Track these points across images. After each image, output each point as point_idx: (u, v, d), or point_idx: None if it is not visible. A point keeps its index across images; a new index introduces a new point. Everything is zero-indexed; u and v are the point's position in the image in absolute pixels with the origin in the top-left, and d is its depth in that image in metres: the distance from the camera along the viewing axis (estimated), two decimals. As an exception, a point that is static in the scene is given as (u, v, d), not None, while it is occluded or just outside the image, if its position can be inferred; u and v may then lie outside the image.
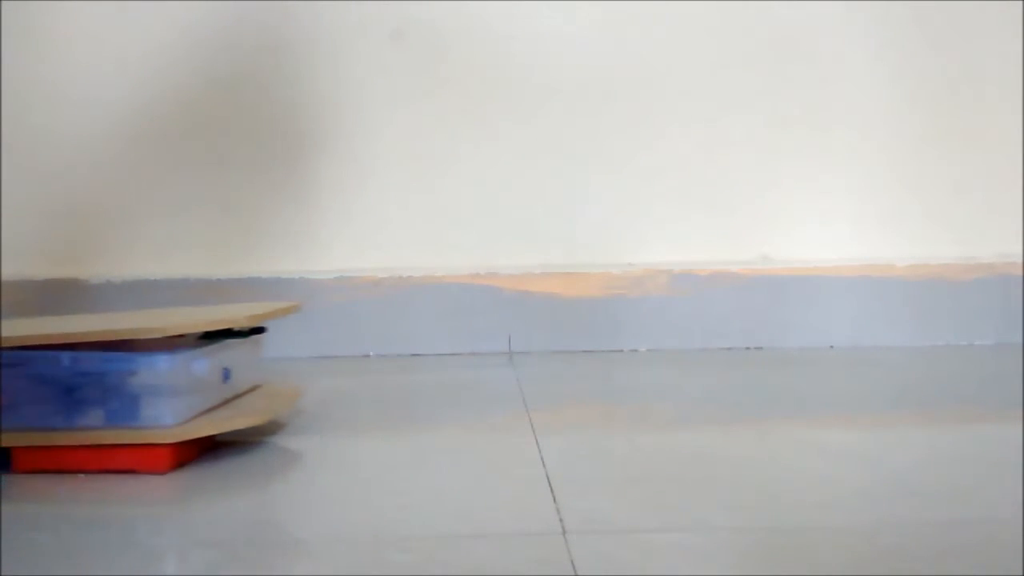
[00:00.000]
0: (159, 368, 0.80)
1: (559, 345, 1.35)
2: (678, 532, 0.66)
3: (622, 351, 1.35)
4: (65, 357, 0.81)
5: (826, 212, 1.38)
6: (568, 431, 0.95)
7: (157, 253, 1.36)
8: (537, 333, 1.35)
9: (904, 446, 0.89)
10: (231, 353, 0.90)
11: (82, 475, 0.80)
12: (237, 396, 0.92)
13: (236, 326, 0.88)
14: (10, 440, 0.81)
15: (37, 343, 0.81)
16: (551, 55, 1.36)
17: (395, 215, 1.37)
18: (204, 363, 0.85)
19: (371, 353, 1.34)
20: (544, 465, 0.81)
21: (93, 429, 0.80)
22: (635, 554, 0.62)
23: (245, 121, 1.36)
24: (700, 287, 1.35)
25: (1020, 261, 1.36)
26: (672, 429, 0.95)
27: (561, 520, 0.68)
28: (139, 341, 0.84)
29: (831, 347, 1.35)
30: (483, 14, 1.36)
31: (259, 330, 0.92)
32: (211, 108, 1.36)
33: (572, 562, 0.61)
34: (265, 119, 1.36)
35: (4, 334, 0.83)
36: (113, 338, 0.81)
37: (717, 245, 1.38)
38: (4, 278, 1.33)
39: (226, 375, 0.89)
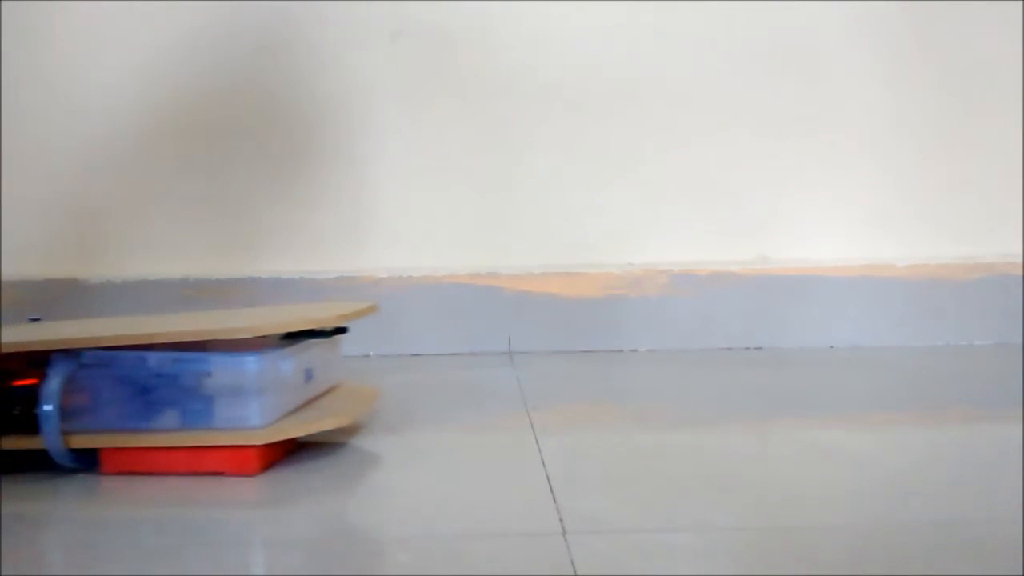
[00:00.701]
0: (248, 368, 0.79)
1: (559, 345, 1.35)
2: (678, 532, 0.66)
3: (622, 351, 1.35)
4: (151, 357, 0.79)
5: (826, 212, 1.38)
6: (568, 431, 0.95)
7: (157, 253, 1.36)
8: (537, 333, 1.35)
9: (904, 446, 0.89)
10: (311, 353, 0.88)
11: (171, 477, 0.79)
12: (318, 396, 0.91)
13: (325, 326, 0.86)
14: (98, 441, 0.80)
15: (124, 343, 0.80)
16: (552, 57, 1.36)
17: (395, 215, 1.37)
18: (291, 363, 0.84)
19: (371, 353, 1.34)
20: (544, 465, 0.81)
21: (181, 431, 0.79)
22: (635, 554, 0.62)
23: (245, 121, 1.36)
24: (700, 287, 1.35)
25: (1020, 261, 1.36)
26: (672, 429, 0.95)
27: (561, 520, 0.68)
28: (212, 341, 0.82)
29: (831, 347, 1.35)
30: (485, 15, 1.36)
31: (341, 330, 0.89)
32: (211, 108, 1.36)
33: (572, 562, 0.61)
34: (265, 119, 1.36)
35: (80, 334, 0.82)
36: (204, 338, 0.80)
37: (717, 245, 1.38)
38: (4, 278, 1.33)
39: (308, 375, 0.88)
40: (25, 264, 1.34)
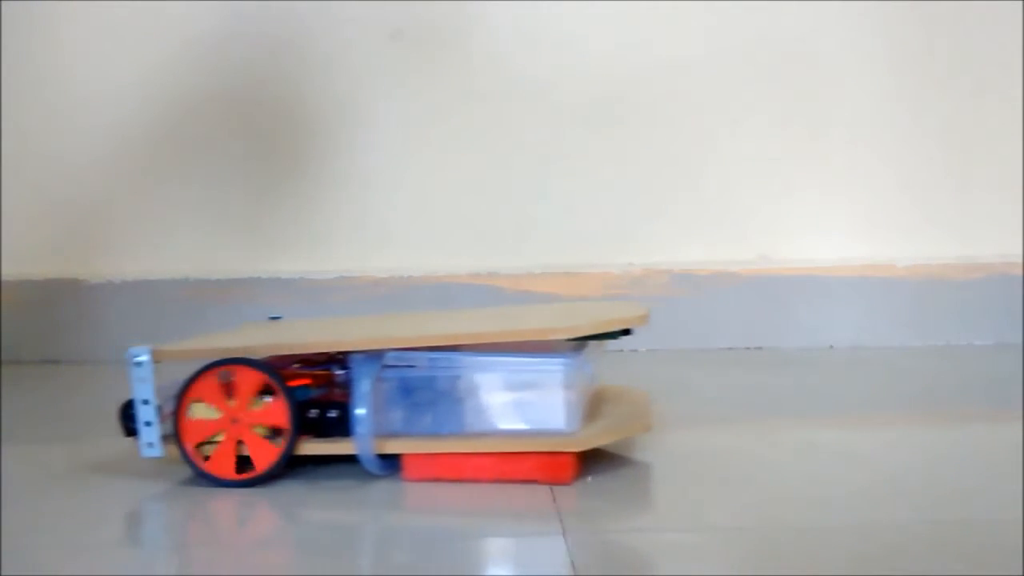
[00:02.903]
0: (558, 371, 0.75)
1: (559, 345, 1.35)
2: (678, 532, 0.66)
3: (622, 351, 1.35)
4: (459, 359, 0.75)
5: (826, 212, 1.38)
6: (568, 431, 0.95)
7: (157, 253, 1.36)
8: (537, 333, 1.35)
9: (904, 446, 0.89)
10: (592, 355, 0.84)
11: (478, 484, 0.75)
12: (595, 399, 0.86)
13: (629, 325, 0.79)
14: (410, 446, 0.75)
15: (428, 345, 0.75)
16: (552, 57, 1.36)
17: (395, 215, 1.37)
18: (590, 366, 0.80)
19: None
20: (544, 465, 0.81)
21: (492, 436, 0.75)
22: (635, 554, 0.62)
23: (246, 122, 1.36)
24: (700, 287, 1.35)
25: (1020, 261, 1.36)
26: (672, 429, 0.95)
27: (561, 520, 0.68)
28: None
29: (831, 347, 1.35)
30: (486, 16, 1.35)
31: (626, 332, 0.82)
32: (212, 108, 1.36)
33: (572, 562, 0.61)
34: (265, 119, 1.36)
35: (371, 335, 0.77)
36: (514, 339, 0.75)
37: (717, 245, 1.38)
38: (4, 278, 1.33)
39: (593, 378, 0.85)
40: (25, 264, 1.34)
